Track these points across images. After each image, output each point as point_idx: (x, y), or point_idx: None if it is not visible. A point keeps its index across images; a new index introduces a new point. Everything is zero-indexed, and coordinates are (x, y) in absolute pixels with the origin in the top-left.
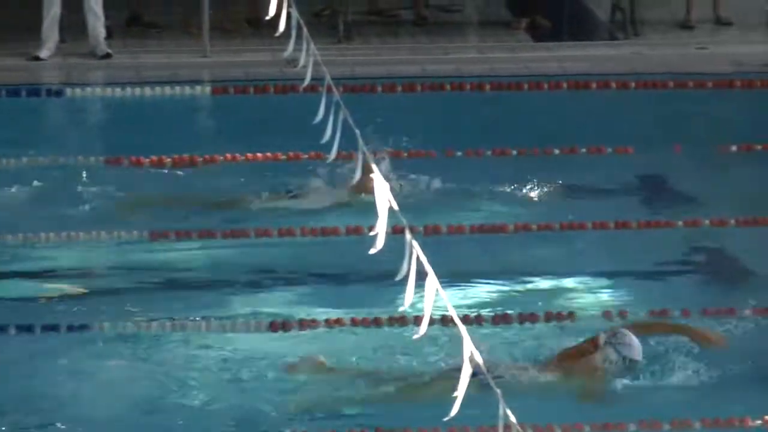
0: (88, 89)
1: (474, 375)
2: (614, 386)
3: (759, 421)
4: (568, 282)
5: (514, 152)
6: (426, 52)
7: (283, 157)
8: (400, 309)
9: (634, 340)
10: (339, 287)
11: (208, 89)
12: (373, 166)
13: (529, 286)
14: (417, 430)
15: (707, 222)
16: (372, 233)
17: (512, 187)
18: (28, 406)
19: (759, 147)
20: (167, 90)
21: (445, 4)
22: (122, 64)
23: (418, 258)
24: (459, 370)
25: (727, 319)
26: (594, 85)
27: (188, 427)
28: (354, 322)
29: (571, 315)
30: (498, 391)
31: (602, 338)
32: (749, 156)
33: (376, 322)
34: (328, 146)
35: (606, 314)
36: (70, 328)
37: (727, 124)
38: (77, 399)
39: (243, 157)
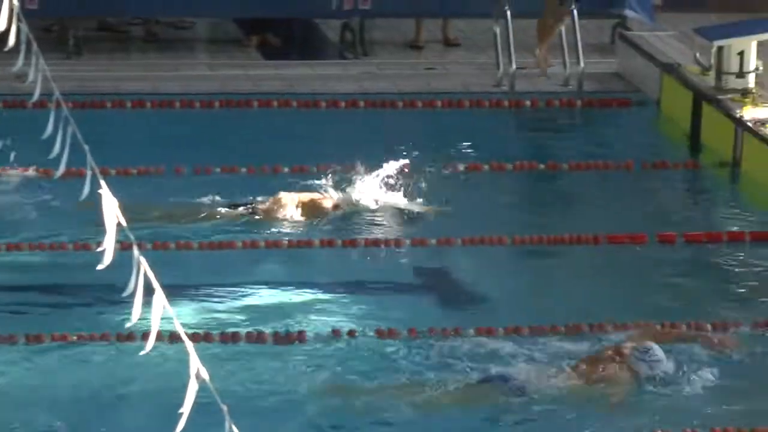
0: None
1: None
2: (638, 398)
3: None
4: (297, 300)
5: (244, 170)
6: (156, 68)
7: (13, 171)
8: (127, 325)
9: (662, 354)
10: (67, 303)
11: None
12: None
13: (258, 303)
14: None
15: (434, 241)
16: (99, 249)
17: (243, 203)
18: None
19: (486, 167)
20: None
21: (176, 20)
22: None
23: (145, 274)
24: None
25: (453, 338)
26: (323, 104)
27: None
28: (81, 338)
29: (300, 334)
30: (224, 407)
31: (630, 353)
32: (476, 175)
33: (104, 338)
34: (57, 162)
35: (335, 332)
36: None
37: (455, 143)
38: None
39: None
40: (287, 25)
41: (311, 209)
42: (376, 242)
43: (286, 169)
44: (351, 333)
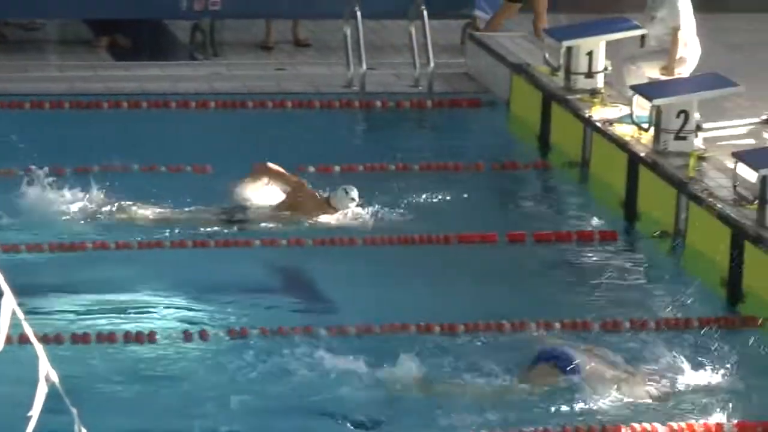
0: None
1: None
2: None
3: None
4: (148, 301)
5: (96, 168)
6: (5, 70)
7: None
8: None
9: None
10: None
11: None
12: None
13: (109, 305)
14: None
15: (284, 242)
16: None
17: (91, 205)
18: None
19: (337, 168)
20: None
21: (25, 22)
22: None
23: None
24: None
25: (304, 338)
26: (173, 105)
27: None
28: None
29: (150, 335)
30: (74, 410)
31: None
32: (326, 177)
33: None
34: None
35: (186, 334)
36: None
37: (306, 144)
38: None
39: None
40: (137, 25)
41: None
42: (226, 243)
43: (136, 167)
44: (203, 333)
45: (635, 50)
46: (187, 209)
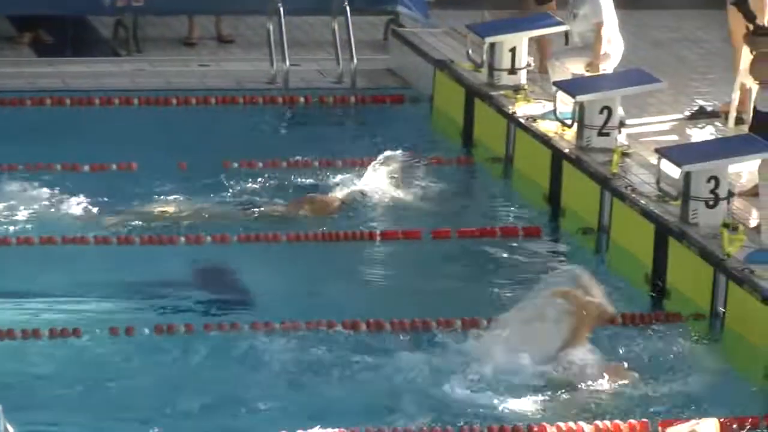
0: None
1: None
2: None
3: None
4: (75, 298)
5: (21, 167)
6: None
7: None
8: None
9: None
10: None
11: None
12: None
13: (34, 301)
14: None
15: (209, 239)
16: None
17: (16, 201)
18: None
19: (260, 164)
20: None
21: None
22: None
23: None
24: None
25: (231, 334)
26: (97, 102)
27: None
28: None
29: (76, 331)
30: None
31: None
32: (251, 172)
33: None
34: None
35: (112, 330)
36: None
37: (230, 140)
38: None
39: None
40: (60, 21)
41: (321, 208)
42: (151, 240)
43: (59, 167)
44: (129, 330)
45: (559, 47)
46: (202, 204)
